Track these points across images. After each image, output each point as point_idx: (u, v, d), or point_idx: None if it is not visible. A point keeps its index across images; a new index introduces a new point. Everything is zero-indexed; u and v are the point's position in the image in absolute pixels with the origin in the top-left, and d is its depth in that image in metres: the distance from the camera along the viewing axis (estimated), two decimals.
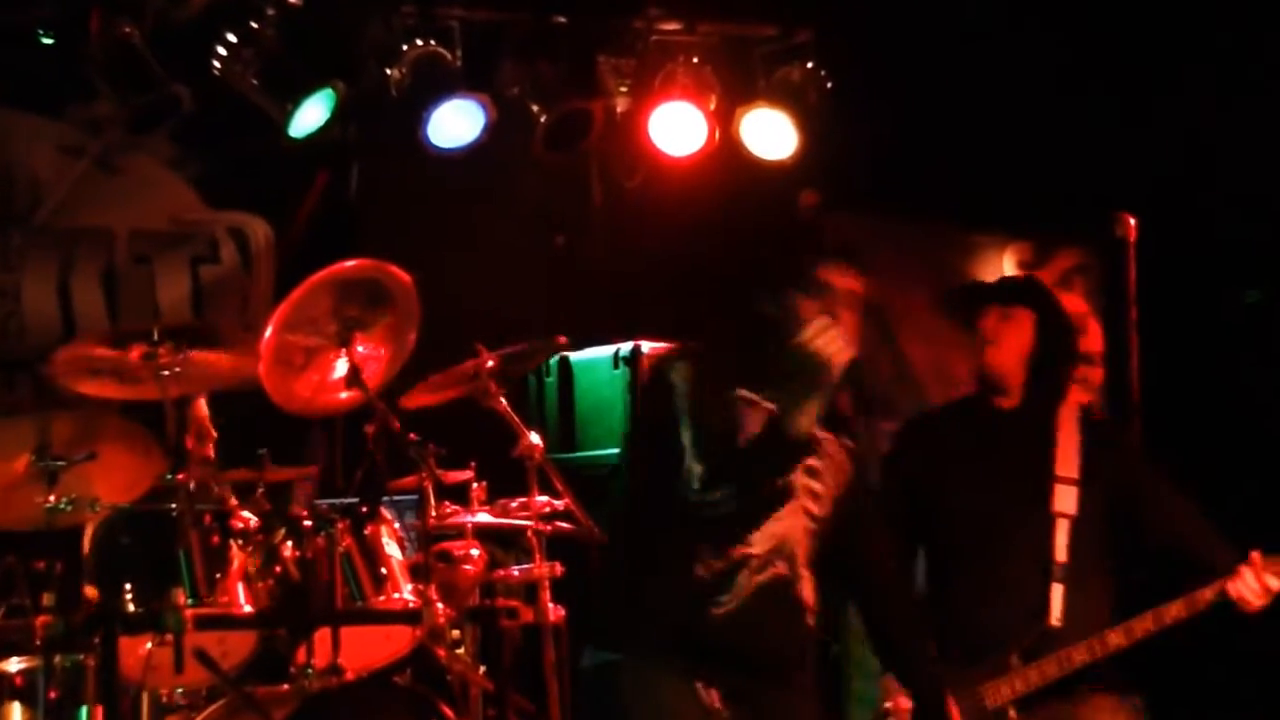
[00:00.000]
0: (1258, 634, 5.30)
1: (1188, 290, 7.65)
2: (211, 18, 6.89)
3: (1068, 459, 5.17)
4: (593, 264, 8.04)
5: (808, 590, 4.34)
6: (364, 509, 5.58)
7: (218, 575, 5.37)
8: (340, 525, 5.49)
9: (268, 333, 5.56)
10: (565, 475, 6.21)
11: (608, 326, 7.43)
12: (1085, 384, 5.95)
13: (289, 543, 5.47)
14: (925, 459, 5.30)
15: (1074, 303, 6.75)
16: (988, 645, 5.07)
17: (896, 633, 4.59)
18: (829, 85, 7.56)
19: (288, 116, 7.04)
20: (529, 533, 6.14)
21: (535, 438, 6.14)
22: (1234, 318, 8.09)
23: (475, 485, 6.17)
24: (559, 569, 6.10)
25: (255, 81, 6.97)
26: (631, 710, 4.20)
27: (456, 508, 6.11)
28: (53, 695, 5.17)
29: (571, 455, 7.22)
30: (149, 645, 5.12)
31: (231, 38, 6.90)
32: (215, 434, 5.84)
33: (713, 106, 7.51)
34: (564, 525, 6.19)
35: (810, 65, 7.55)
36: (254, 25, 6.88)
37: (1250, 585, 4.99)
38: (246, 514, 5.52)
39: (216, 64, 6.94)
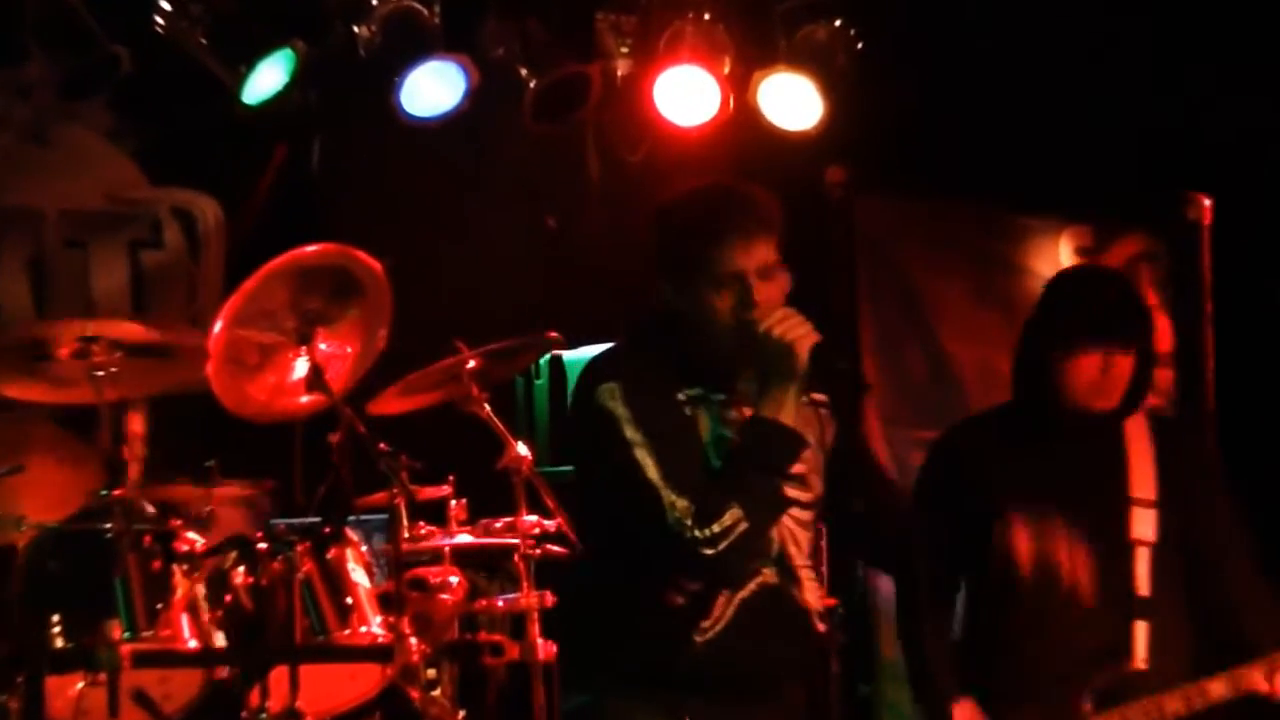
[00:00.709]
0: None
1: (1269, 281, 7.40)
2: None
3: (1143, 477, 4.91)
4: (589, 250, 7.79)
5: (808, 592, 4.27)
6: (327, 530, 5.44)
7: (159, 605, 5.21)
8: (300, 548, 5.35)
9: (217, 327, 5.43)
10: (557, 491, 6.00)
11: (606, 321, 6.97)
12: (1153, 387, 5.63)
13: (241, 568, 5.33)
14: (970, 476, 4.98)
15: None
16: (1048, 686, 4.80)
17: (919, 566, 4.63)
18: (859, 46, 7.52)
19: (241, 81, 7.04)
20: (515, 557, 5.99)
21: (523, 448, 5.99)
22: None
23: (454, 503, 6.14)
24: (549, 599, 5.91)
25: (204, 41, 6.95)
26: None
27: (432, 529, 6.08)
28: None
29: (564, 469, 6.82)
30: (80, 685, 4.99)
31: None
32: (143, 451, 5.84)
33: (726, 70, 7.44)
34: (555, 548, 6.04)
35: (838, 23, 7.51)
36: None
37: None
38: (192, 535, 5.40)
39: (160, 21, 6.92)
